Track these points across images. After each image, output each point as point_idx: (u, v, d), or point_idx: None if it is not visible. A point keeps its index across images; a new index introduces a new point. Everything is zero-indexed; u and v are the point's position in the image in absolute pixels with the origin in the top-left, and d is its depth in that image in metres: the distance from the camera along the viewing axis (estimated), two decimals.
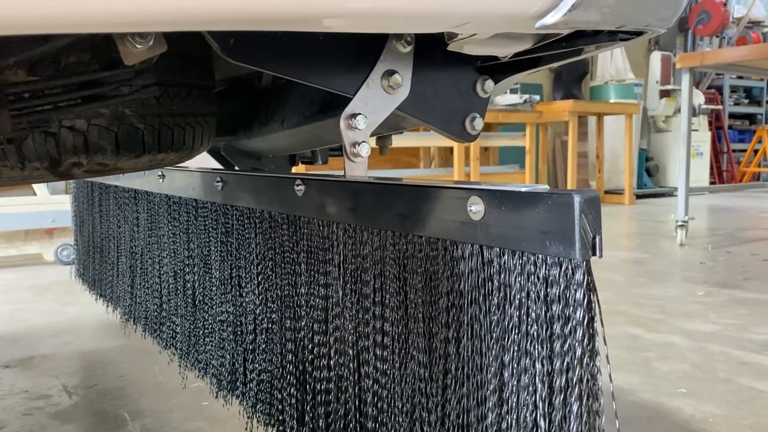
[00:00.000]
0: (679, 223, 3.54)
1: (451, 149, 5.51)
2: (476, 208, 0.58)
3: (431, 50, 0.85)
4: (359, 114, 0.81)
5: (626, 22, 0.68)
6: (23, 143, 0.76)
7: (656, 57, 7.35)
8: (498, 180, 5.67)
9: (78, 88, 0.66)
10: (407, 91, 0.85)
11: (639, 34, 0.77)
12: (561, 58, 0.92)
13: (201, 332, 1.18)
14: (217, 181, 1.07)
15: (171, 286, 1.30)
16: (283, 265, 0.91)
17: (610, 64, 7.16)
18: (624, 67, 7.11)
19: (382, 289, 0.73)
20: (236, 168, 1.41)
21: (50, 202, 3.17)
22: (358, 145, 0.82)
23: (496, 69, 1.00)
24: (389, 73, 0.83)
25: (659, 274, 2.78)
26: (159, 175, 1.31)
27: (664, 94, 7.25)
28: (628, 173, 6.16)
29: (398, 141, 5.11)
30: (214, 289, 1.12)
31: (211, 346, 1.14)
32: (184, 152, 1.00)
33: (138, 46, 0.63)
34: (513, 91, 5.84)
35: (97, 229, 1.82)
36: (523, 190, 0.54)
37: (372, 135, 1.20)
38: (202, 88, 1.02)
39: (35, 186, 3.26)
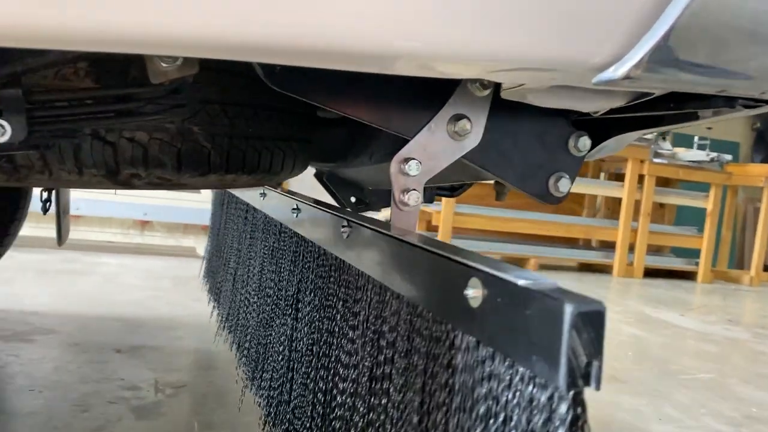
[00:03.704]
0: None
1: (620, 200, 5.13)
2: (474, 292, 0.48)
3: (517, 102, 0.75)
4: (413, 159, 0.73)
5: (728, 87, 0.53)
6: (80, 149, 0.77)
7: None
8: (670, 242, 5.17)
9: (108, 102, 0.66)
10: (478, 139, 0.76)
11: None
12: (675, 121, 0.77)
13: (266, 359, 1.16)
14: (293, 209, 1.04)
15: (251, 304, 1.29)
16: (325, 306, 0.85)
17: None
18: None
19: (391, 362, 0.64)
20: (338, 196, 1.37)
21: (206, 202, 3.40)
22: (408, 193, 0.74)
23: (599, 125, 0.86)
24: (457, 118, 0.74)
25: None
26: (261, 194, 1.32)
27: None
28: None
29: None
30: (277, 313, 1.08)
31: (272, 375, 1.11)
32: (260, 175, 0.98)
33: (164, 65, 0.61)
34: (700, 147, 5.33)
35: (220, 234, 1.89)
36: (520, 282, 0.43)
37: (443, 183, 1.10)
38: (286, 112, 1.00)
39: None
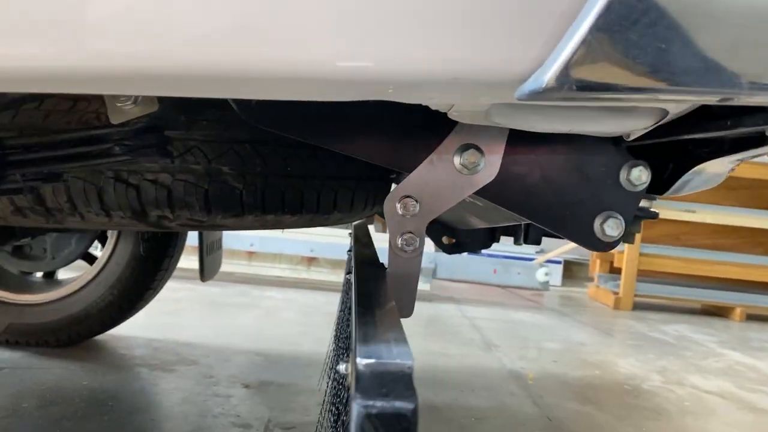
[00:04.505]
0: None
1: None
2: (345, 368, 0.38)
3: None
4: (409, 197, 0.64)
5: (731, 92, 0.38)
6: (104, 192, 0.78)
7: None
8: None
9: (74, 144, 0.65)
10: (493, 173, 0.64)
11: None
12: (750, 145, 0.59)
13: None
14: (349, 251, 0.98)
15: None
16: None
17: None
18: None
19: None
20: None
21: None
22: (405, 236, 0.64)
23: (680, 153, 0.70)
24: (464, 148, 0.63)
25: None
26: (350, 233, 1.28)
27: None
28: None
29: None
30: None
31: None
32: (308, 216, 0.93)
33: (118, 104, 0.59)
34: None
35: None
36: (359, 361, 0.33)
37: (492, 224, 0.96)
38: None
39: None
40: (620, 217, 0.65)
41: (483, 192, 0.65)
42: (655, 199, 0.73)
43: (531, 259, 4.45)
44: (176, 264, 2.09)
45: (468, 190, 0.64)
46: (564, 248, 4.47)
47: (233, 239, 3.26)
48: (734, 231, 4.45)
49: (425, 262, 3.45)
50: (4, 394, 1.62)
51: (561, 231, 0.66)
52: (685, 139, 0.67)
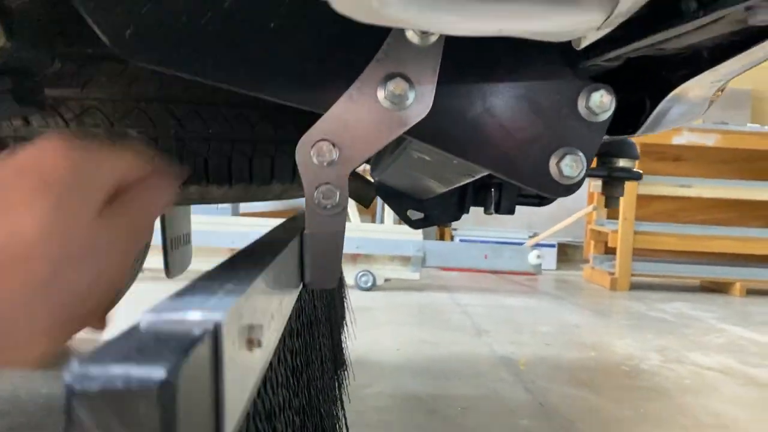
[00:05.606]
0: None
1: None
2: None
3: (483, 41, 0.51)
4: (325, 141, 0.53)
5: None
6: None
7: None
8: None
9: None
10: (426, 107, 0.54)
11: None
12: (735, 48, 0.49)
13: None
14: None
15: None
16: None
17: None
18: None
19: None
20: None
21: (359, 229, 3.34)
22: (323, 189, 0.53)
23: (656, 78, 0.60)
24: (389, 78, 0.53)
25: None
26: None
27: None
28: None
29: None
30: None
31: None
32: (241, 186, 0.82)
33: None
34: None
35: None
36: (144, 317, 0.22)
37: (447, 186, 0.87)
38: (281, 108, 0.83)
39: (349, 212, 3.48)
40: (580, 154, 0.54)
41: (417, 132, 0.54)
42: (634, 133, 0.62)
43: (522, 243, 4.34)
44: (143, 261, 1.98)
45: (397, 130, 0.53)
46: (554, 229, 4.35)
47: (213, 237, 3.14)
48: (731, 205, 4.34)
49: (413, 251, 3.34)
50: None
51: (511, 175, 0.55)
52: (659, 63, 0.57)
